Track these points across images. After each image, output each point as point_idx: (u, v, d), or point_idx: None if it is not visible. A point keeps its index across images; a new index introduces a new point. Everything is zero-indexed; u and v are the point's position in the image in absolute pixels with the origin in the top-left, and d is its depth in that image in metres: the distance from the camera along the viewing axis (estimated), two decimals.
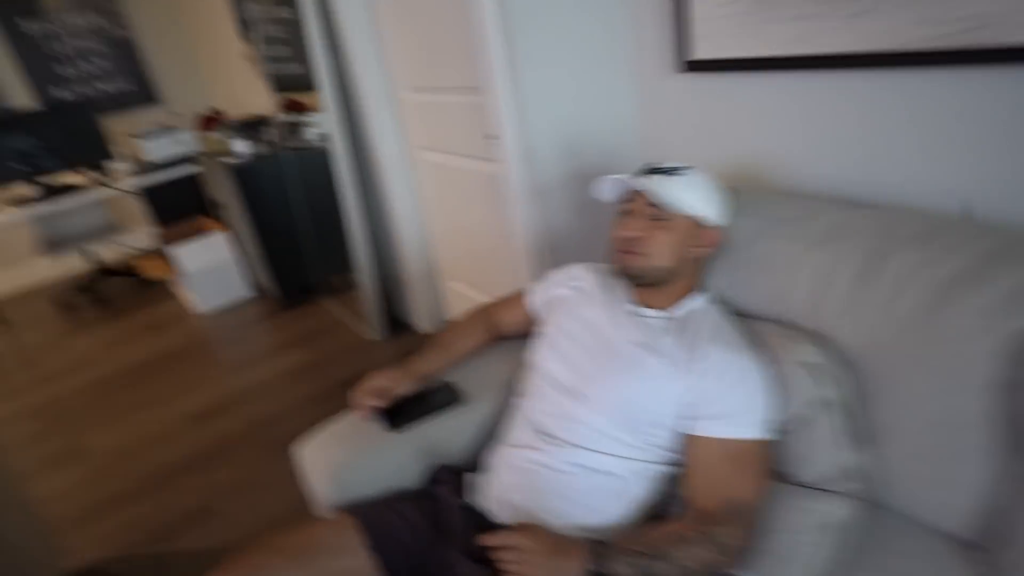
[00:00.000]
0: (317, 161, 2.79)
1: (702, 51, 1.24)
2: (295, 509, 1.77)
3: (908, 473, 0.88)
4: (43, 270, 4.09)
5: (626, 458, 0.96)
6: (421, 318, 2.63)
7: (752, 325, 1.03)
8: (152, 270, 3.46)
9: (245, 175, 2.77)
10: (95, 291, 3.73)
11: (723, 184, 1.08)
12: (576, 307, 1.12)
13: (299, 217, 2.94)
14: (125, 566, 1.70)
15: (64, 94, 3.92)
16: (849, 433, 0.90)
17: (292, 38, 2.74)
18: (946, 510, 0.85)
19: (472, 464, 1.15)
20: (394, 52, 2.12)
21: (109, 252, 4.20)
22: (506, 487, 1.02)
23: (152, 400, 2.50)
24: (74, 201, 3.06)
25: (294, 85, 2.93)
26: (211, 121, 3.47)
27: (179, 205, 3.62)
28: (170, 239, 3.24)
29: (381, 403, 1.14)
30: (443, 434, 1.16)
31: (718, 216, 1.03)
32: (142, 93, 4.18)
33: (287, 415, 2.26)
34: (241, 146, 2.82)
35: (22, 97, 3.80)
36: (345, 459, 1.10)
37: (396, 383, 1.16)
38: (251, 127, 2.96)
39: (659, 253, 0.99)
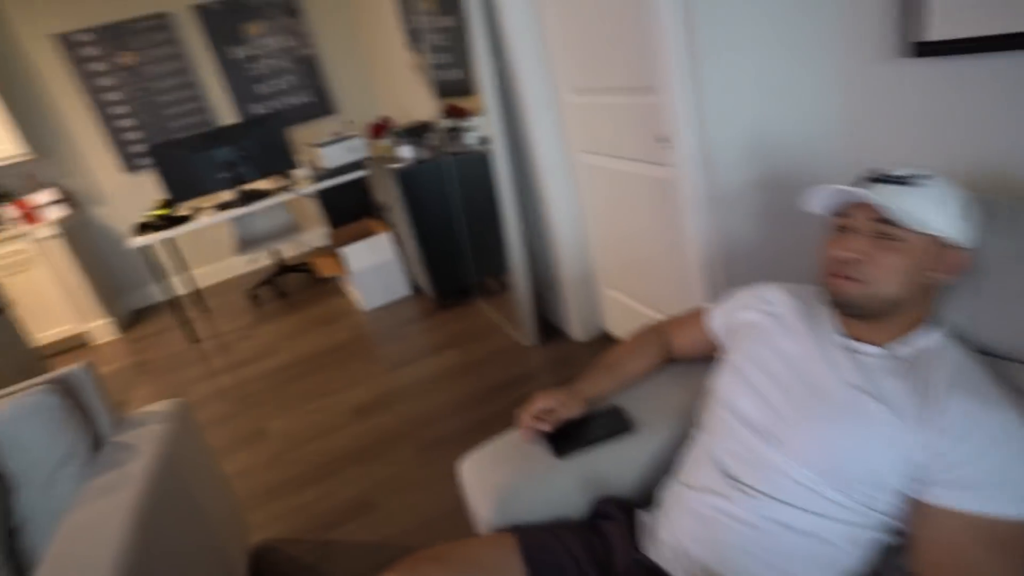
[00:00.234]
0: (475, 165, 2.87)
1: (939, 30, 1.02)
2: (450, 513, 1.80)
3: None
4: (237, 265, 4.67)
5: (837, 520, 0.81)
6: (575, 325, 2.57)
7: (1006, 370, 0.82)
8: (325, 268, 3.77)
9: (408, 179, 2.91)
10: (276, 285, 4.16)
11: (971, 194, 0.88)
12: (771, 336, 0.98)
13: (457, 220, 3.03)
14: (294, 548, 1.82)
15: (259, 109, 4.42)
16: None
17: (454, 44, 2.81)
18: None
19: (641, 499, 1.05)
20: (556, 54, 2.08)
21: (289, 250, 4.71)
22: (683, 534, 0.91)
23: (321, 391, 2.70)
24: (264, 205, 3.42)
25: (455, 91, 3.01)
26: (380, 128, 3.69)
27: (348, 207, 3.92)
28: (340, 240, 3.50)
29: (546, 427, 1.08)
30: (611, 464, 1.07)
31: (965, 235, 0.83)
32: (321, 104, 4.59)
33: (441, 416, 2.31)
34: (406, 151, 2.96)
35: (228, 115, 4.36)
36: (507, 482, 1.05)
37: (562, 406, 1.09)
38: (415, 133, 3.09)
39: (884, 279, 0.82)
